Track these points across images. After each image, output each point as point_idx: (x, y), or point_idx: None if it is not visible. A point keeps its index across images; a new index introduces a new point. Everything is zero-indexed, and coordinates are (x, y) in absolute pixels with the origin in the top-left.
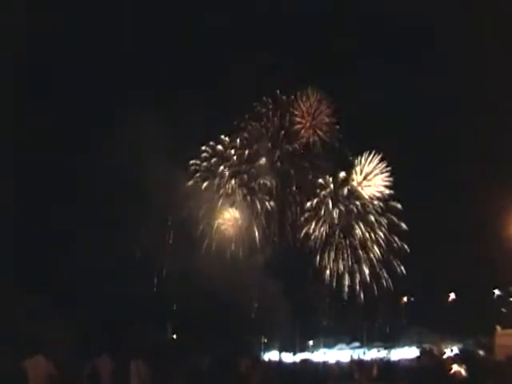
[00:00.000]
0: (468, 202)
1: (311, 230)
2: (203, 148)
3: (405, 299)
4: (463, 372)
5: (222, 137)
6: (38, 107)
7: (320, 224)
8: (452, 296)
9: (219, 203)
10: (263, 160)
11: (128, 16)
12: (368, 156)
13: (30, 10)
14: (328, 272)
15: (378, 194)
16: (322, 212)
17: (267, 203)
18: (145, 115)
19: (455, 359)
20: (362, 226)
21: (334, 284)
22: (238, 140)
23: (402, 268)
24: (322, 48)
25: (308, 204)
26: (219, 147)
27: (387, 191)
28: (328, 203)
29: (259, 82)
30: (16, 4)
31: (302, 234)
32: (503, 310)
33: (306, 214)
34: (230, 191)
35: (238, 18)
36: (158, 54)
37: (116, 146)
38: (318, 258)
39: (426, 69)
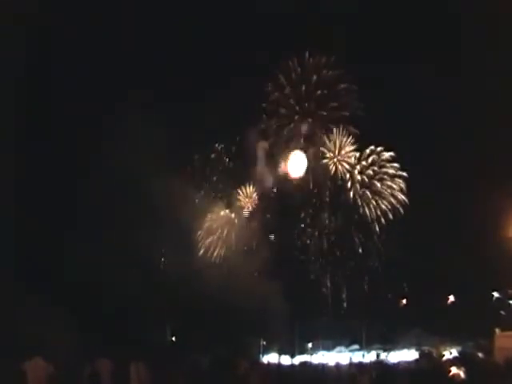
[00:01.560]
0: (468, 202)
1: (308, 237)
2: (199, 155)
3: (404, 301)
4: (462, 374)
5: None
6: (37, 107)
7: (316, 231)
8: (451, 298)
9: (216, 205)
10: (260, 164)
11: (128, 16)
12: (368, 158)
13: (30, 10)
14: (326, 281)
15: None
16: (318, 219)
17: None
18: (145, 115)
19: (454, 361)
20: (360, 235)
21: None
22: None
23: (405, 285)
24: (322, 47)
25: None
26: (213, 155)
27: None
28: (324, 211)
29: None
30: (16, 4)
31: (299, 242)
32: (502, 312)
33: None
34: (227, 194)
35: (237, 18)
36: (157, 54)
37: (116, 146)
38: (315, 265)
39: (425, 69)
